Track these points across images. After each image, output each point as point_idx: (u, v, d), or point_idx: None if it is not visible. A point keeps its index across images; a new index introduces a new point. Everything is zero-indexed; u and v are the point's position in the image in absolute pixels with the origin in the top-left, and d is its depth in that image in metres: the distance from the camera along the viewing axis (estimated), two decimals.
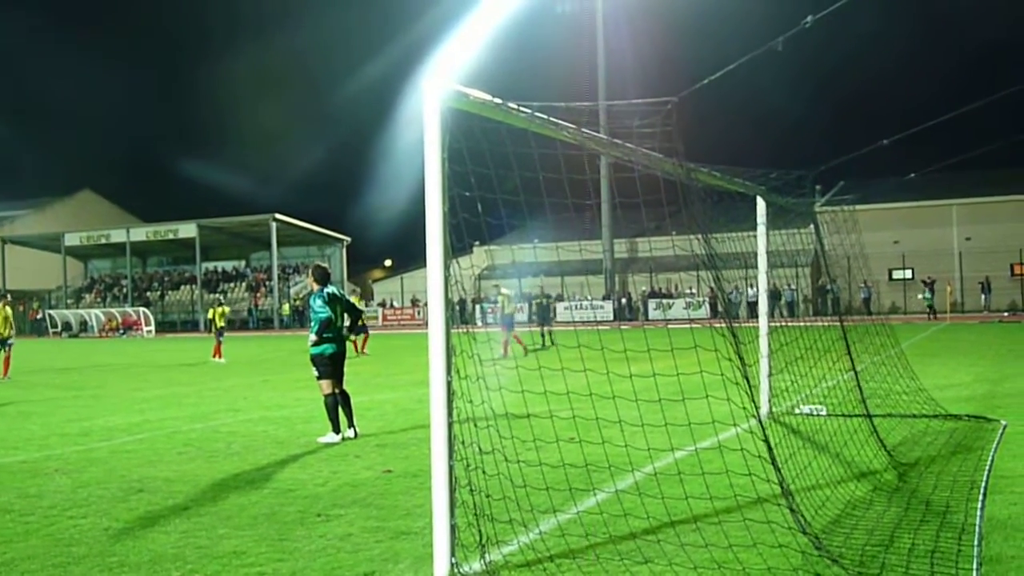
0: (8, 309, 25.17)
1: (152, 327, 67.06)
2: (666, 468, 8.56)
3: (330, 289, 11.84)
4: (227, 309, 33.32)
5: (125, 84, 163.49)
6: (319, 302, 11.62)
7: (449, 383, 5.94)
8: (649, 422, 7.88)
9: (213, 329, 31.90)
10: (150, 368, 28.24)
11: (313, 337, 11.64)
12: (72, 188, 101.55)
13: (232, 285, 79.16)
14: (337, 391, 11.67)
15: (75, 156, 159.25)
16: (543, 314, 30.51)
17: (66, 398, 19.03)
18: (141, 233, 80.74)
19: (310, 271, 12.27)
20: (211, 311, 32.87)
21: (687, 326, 7.76)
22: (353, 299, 27.50)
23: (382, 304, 70.65)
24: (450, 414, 5.93)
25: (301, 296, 72.54)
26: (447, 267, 5.97)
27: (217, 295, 75.30)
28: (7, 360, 24.75)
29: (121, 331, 67.54)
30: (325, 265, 12.58)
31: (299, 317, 68.52)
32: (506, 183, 6.50)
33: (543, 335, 29.61)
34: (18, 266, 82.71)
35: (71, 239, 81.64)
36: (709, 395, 6.88)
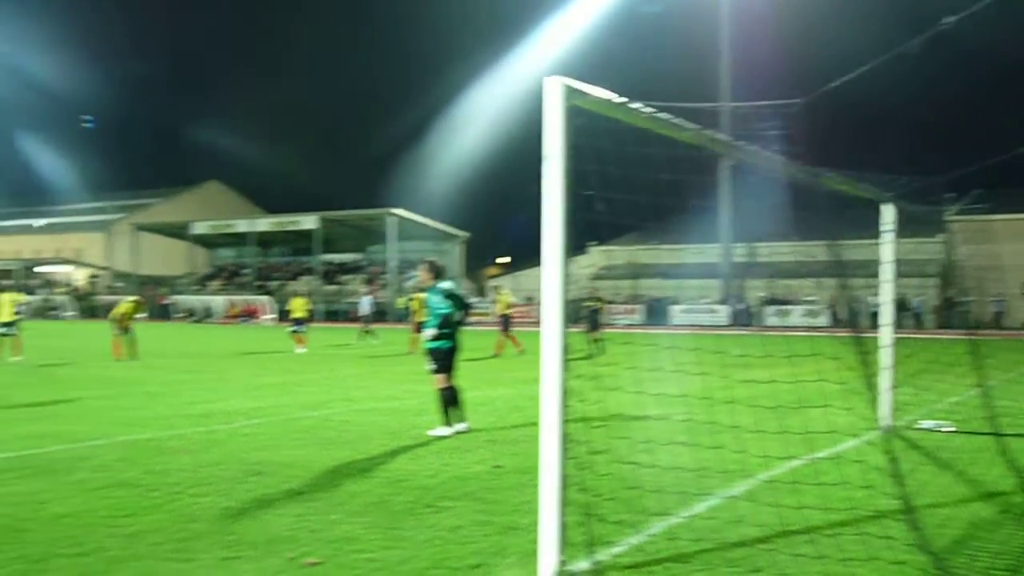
0: (127, 306, 26.50)
1: (273, 315, 68.79)
2: (781, 476, 8.36)
3: (445, 284, 11.93)
4: (306, 300, 33.53)
5: (251, 78, 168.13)
6: (437, 297, 11.74)
7: (563, 381, 5.91)
8: (765, 429, 7.73)
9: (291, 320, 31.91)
10: (268, 355, 28.97)
11: (431, 332, 11.75)
12: (200, 179, 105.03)
13: (349, 277, 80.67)
14: (451, 385, 11.78)
15: (203, 148, 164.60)
16: (592, 319, 28.36)
17: (190, 381, 19.69)
18: (264, 224, 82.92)
19: (425, 266, 12.31)
20: (292, 302, 33.05)
21: (806, 334, 7.58)
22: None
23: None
24: (563, 412, 5.91)
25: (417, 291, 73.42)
26: (565, 265, 5.95)
27: (291, 288, 76.86)
28: (133, 343, 26.05)
29: (243, 318, 69.47)
30: (439, 260, 12.65)
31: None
32: (625, 183, 6.44)
33: (590, 342, 27.15)
34: (149, 252, 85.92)
35: (198, 228, 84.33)
36: (828, 404, 6.71)
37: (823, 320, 53.00)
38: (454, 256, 79.34)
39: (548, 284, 5.95)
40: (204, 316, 73.94)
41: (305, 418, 13.37)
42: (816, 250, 6.94)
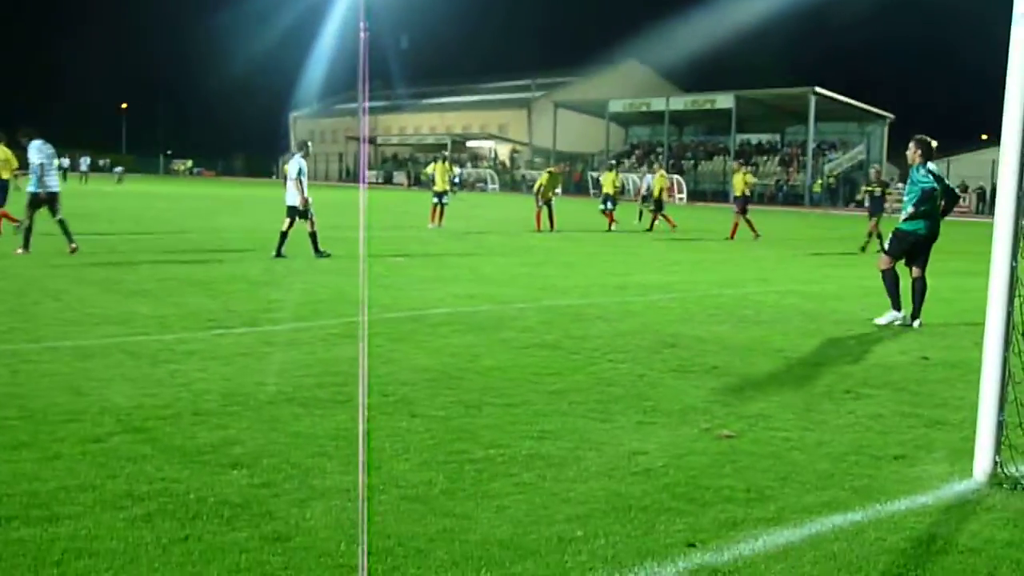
0: (544, 177, 27.60)
1: (684, 195, 69.15)
2: None
3: (932, 167, 10.83)
4: (615, 176, 30.85)
5: None
6: (922, 171, 10.71)
7: (1013, 268, 5.38)
8: None
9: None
10: (678, 234, 29.18)
11: (910, 209, 10.73)
12: (618, 58, 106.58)
13: (764, 158, 78.92)
14: (916, 275, 10.93)
15: (620, 27, 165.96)
16: (875, 205, 23.67)
17: (605, 254, 20.42)
18: (680, 102, 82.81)
19: (913, 143, 10.93)
20: (603, 176, 30.89)
21: None
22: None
23: None
24: (1010, 302, 5.39)
25: (835, 173, 70.41)
26: None
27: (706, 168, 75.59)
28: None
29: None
30: (929, 139, 11.02)
31: (831, 195, 67.06)
32: None
33: (870, 231, 22.99)
34: (567, 129, 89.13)
35: (615, 106, 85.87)
36: None
37: None
38: (876, 138, 74.96)
39: (1006, 164, 5.37)
40: (619, 193, 75.69)
41: (720, 295, 13.39)
42: None
